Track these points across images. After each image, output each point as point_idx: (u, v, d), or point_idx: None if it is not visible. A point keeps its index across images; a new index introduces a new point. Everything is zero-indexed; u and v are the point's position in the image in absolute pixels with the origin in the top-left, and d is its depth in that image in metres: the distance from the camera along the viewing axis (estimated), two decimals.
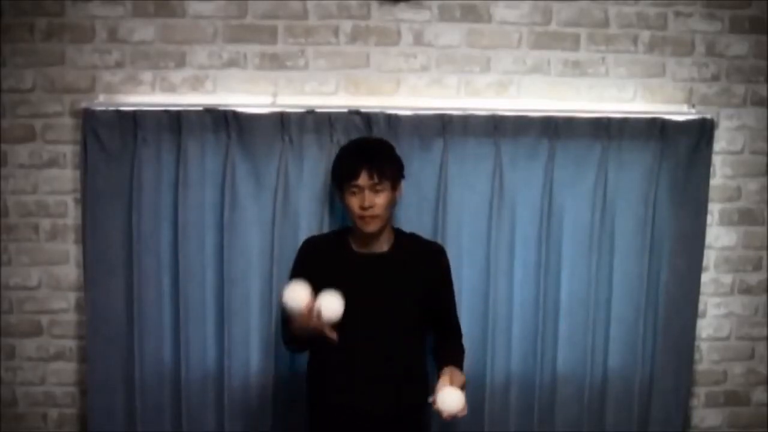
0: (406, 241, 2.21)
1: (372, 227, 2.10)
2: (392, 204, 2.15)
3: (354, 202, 2.09)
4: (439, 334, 2.26)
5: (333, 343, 1.94)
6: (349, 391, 2.12)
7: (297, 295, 1.94)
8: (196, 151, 2.46)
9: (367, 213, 2.07)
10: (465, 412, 1.95)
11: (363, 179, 2.06)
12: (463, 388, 1.99)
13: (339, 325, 2.14)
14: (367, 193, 2.07)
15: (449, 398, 1.94)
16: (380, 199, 2.08)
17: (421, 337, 2.23)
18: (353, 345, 2.10)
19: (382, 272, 2.13)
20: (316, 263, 2.18)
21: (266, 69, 2.53)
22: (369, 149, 2.16)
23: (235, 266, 2.48)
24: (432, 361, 2.24)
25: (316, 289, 2.12)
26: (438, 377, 2.03)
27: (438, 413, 1.94)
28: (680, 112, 2.58)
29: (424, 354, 2.26)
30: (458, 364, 2.14)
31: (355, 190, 2.08)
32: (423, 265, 2.17)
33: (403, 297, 2.13)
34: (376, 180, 2.07)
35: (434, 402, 1.95)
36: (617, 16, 2.58)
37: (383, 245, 2.16)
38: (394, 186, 2.14)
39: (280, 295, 2.38)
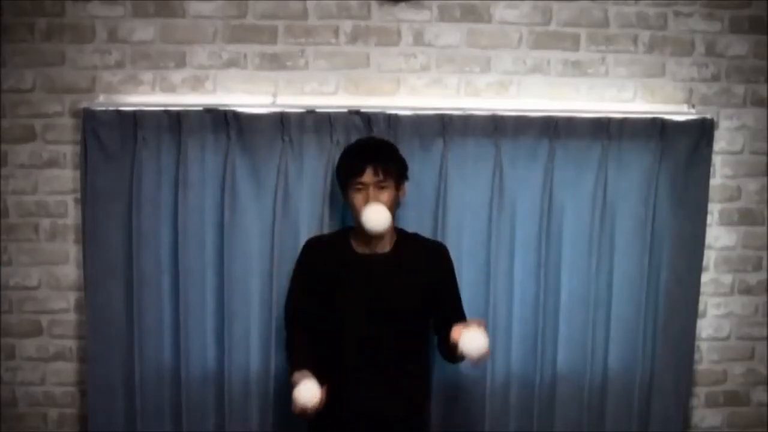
0: (408, 241, 2.20)
1: None
2: (396, 204, 2.15)
3: (358, 200, 2.08)
4: (446, 332, 2.24)
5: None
6: (350, 391, 2.12)
7: (308, 395, 2.00)
8: (196, 151, 2.46)
9: None
10: (488, 354, 1.97)
11: (368, 176, 2.07)
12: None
13: (341, 325, 2.14)
14: (371, 190, 2.07)
15: (474, 339, 1.92)
16: (384, 197, 2.08)
17: (423, 338, 2.22)
18: (354, 345, 2.10)
19: (383, 273, 2.13)
20: (318, 264, 2.18)
21: (266, 69, 2.53)
22: (374, 147, 2.17)
23: (235, 266, 2.48)
24: (433, 361, 2.23)
25: (319, 291, 2.12)
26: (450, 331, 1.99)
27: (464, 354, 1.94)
28: (680, 112, 2.58)
29: (426, 355, 2.26)
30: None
31: (359, 187, 2.08)
32: (425, 265, 2.17)
33: (405, 297, 2.13)
34: (380, 177, 2.07)
35: (456, 346, 1.93)
36: (617, 16, 2.58)
37: (385, 245, 2.16)
38: (398, 186, 2.14)
39: (281, 296, 2.40)
